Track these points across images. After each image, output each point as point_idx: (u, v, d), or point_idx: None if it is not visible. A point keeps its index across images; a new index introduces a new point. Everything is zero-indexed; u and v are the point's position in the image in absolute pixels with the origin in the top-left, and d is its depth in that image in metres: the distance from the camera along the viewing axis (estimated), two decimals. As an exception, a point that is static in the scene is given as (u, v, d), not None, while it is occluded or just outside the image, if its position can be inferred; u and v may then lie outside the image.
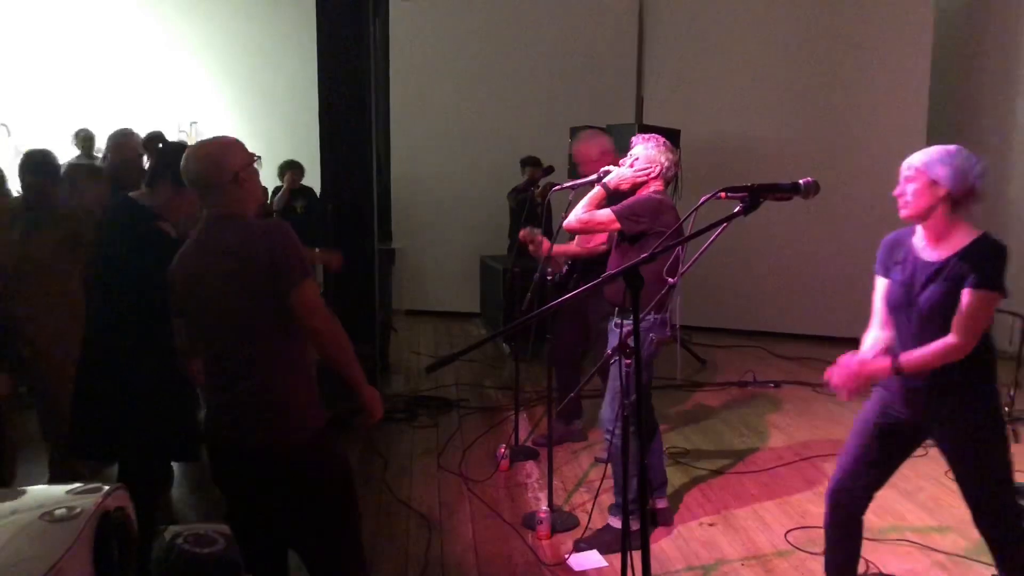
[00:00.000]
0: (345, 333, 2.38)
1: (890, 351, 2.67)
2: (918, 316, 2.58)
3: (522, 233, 4.29)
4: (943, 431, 2.71)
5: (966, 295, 2.46)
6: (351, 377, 2.40)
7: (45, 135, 8.04)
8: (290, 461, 2.33)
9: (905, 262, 2.65)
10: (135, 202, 3.15)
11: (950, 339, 2.49)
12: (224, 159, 2.33)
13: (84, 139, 8.07)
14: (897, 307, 2.65)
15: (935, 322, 2.53)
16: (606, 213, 3.59)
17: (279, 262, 2.24)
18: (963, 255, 2.51)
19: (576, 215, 3.67)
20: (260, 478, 2.35)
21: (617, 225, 3.55)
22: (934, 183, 2.51)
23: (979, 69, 7.96)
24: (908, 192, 2.55)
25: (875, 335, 2.76)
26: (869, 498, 2.88)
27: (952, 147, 2.54)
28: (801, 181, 2.17)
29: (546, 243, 4.26)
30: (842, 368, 2.63)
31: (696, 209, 2.14)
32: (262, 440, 2.31)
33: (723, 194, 2.12)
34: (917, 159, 2.56)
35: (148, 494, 3.15)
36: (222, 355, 2.36)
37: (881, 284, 2.75)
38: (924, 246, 2.62)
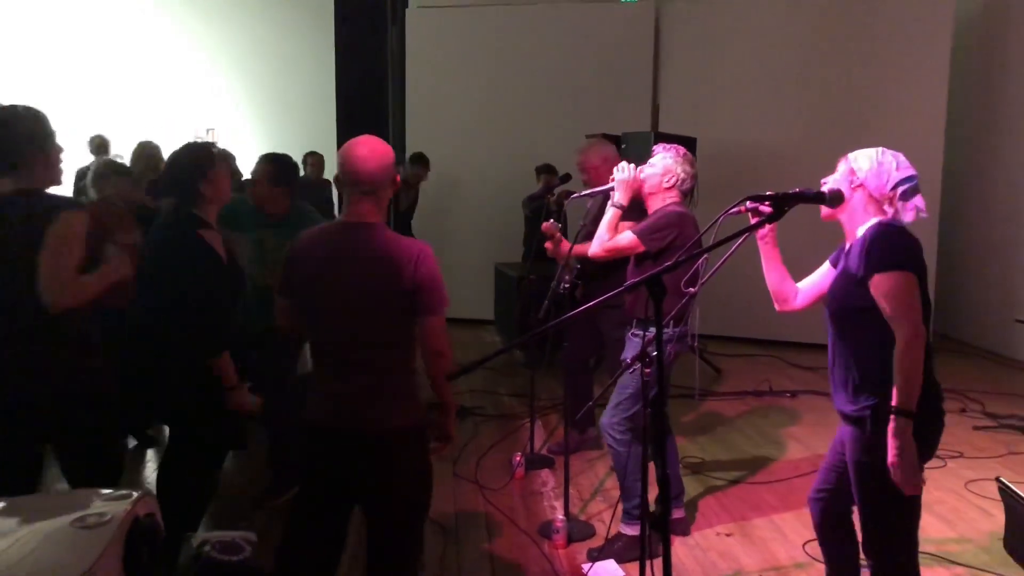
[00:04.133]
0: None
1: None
2: (831, 319, 2.50)
3: (546, 225, 4.29)
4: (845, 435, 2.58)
5: (876, 283, 2.27)
6: (445, 398, 2.59)
7: (61, 140, 8.09)
8: (394, 447, 2.46)
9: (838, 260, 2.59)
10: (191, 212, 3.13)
11: (898, 340, 2.27)
12: (390, 164, 2.45)
13: (99, 145, 8.15)
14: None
15: (836, 322, 2.45)
16: (628, 238, 3.58)
17: (424, 288, 2.40)
18: (858, 245, 2.36)
19: (600, 244, 3.67)
20: (365, 462, 2.46)
21: (642, 248, 3.55)
22: (852, 172, 2.44)
23: (998, 76, 7.92)
24: (834, 175, 2.51)
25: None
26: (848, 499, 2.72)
27: (885, 150, 2.44)
28: (826, 190, 2.16)
29: (565, 243, 4.26)
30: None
31: (720, 219, 2.14)
32: (375, 427, 2.43)
33: (748, 203, 2.11)
34: (854, 152, 2.50)
35: (191, 496, 3.21)
36: (343, 349, 2.46)
37: (825, 268, 2.68)
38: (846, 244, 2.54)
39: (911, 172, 2.40)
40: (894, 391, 2.25)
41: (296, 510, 2.58)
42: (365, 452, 2.46)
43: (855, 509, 2.65)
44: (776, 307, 2.76)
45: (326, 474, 2.54)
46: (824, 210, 2.43)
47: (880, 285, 2.25)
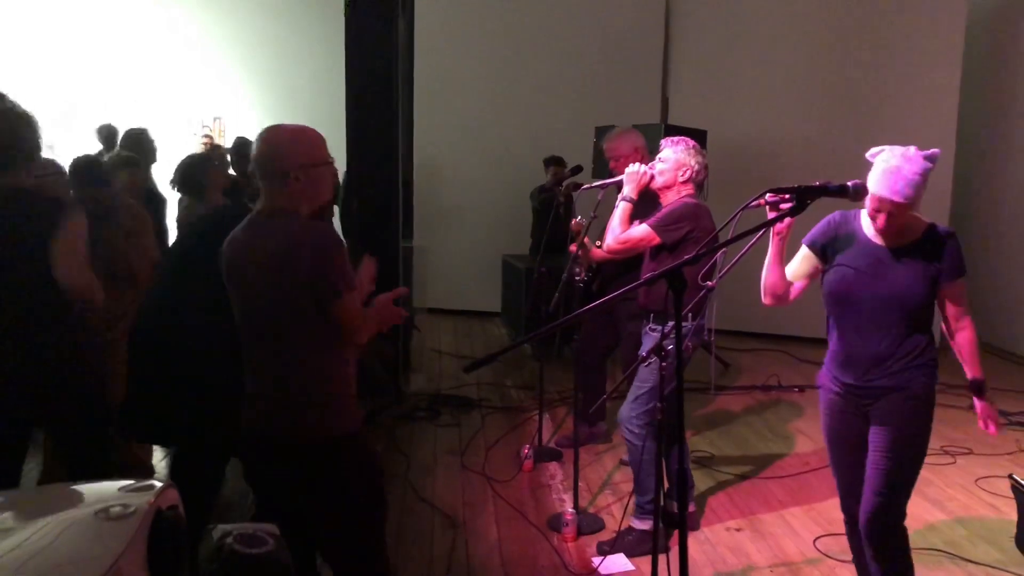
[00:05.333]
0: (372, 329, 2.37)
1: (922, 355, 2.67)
2: (880, 304, 2.60)
3: (574, 222, 4.23)
4: (880, 405, 2.70)
5: (959, 284, 2.60)
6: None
7: (70, 130, 8.09)
8: (311, 459, 2.30)
9: (854, 247, 2.64)
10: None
11: (968, 328, 2.67)
12: (285, 153, 2.27)
13: (107, 135, 8.12)
14: (853, 296, 2.65)
15: (896, 311, 2.58)
16: (643, 229, 3.56)
17: (325, 271, 2.20)
18: (925, 242, 2.58)
19: (614, 237, 3.66)
20: (282, 473, 2.34)
21: (657, 240, 3.53)
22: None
23: (1010, 71, 7.86)
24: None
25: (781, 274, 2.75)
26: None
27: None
28: (849, 183, 2.14)
29: (596, 252, 4.19)
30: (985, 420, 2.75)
31: (742, 210, 2.11)
32: (286, 434, 2.30)
33: (768, 196, 2.09)
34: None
35: (203, 490, 3.20)
36: (255, 346, 2.34)
37: (810, 258, 2.75)
38: (873, 233, 2.62)
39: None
40: (975, 366, 2.68)
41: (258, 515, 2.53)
42: (278, 460, 2.33)
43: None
44: (765, 301, 2.81)
45: (256, 482, 2.47)
46: (890, 211, 2.47)
47: (962, 286, 2.61)
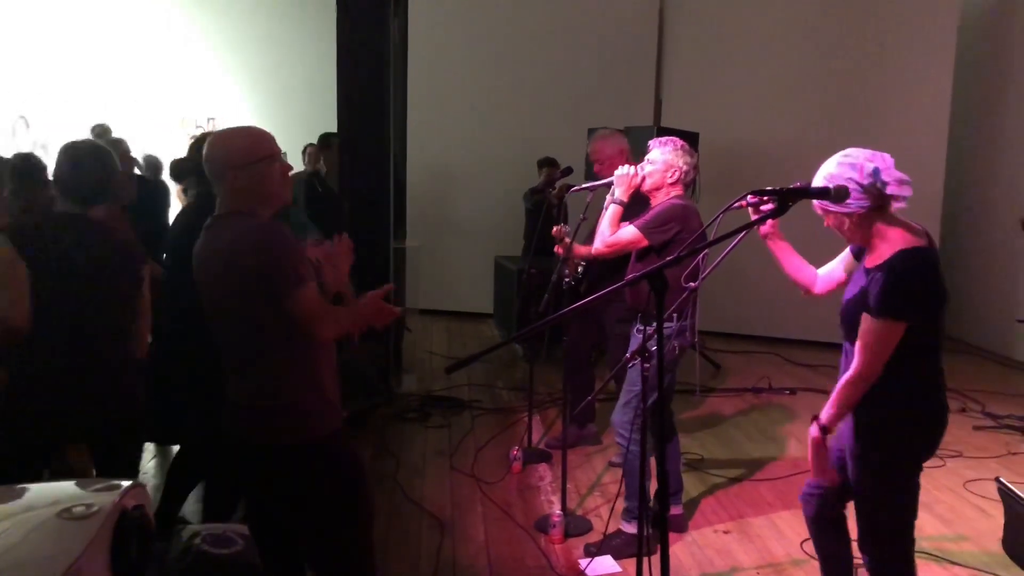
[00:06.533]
0: (347, 325, 2.33)
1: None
2: (844, 321, 2.45)
3: (555, 230, 4.22)
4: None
5: (868, 319, 2.29)
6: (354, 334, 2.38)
7: (63, 128, 8.08)
8: (288, 462, 2.27)
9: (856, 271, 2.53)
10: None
11: (856, 366, 2.34)
12: (218, 155, 2.24)
13: (100, 134, 8.11)
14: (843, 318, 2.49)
15: (852, 330, 2.38)
16: (632, 231, 3.55)
17: (269, 270, 2.15)
18: (885, 266, 2.28)
19: (603, 240, 3.65)
20: (261, 476, 2.33)
21: (646, 242, 3.52)
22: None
23: (1002, 74, 7.88)
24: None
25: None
26: (842, 496, 2.71)
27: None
28: (831, 185, 2.13)
29: (578, 247, 4.19)
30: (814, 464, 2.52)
31: (723, 212, 2.10)
32: (260, 439, 2.28)
33: (751, 197, 2.08)
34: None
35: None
36: (224, 348, 2.32)
37: (845, 258, 2.64)
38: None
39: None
40: (829, 409, 2.38)
41: (248, 518, 2.50)
42: (254, 464, 2.32)
43: (848, 506, 2.66)
44: (802, 293, 2.74)
45: (239, 483, 2.46)
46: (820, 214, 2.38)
47: (870, 323, 2.27)
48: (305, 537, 2.38)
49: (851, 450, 2.47)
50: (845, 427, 2.53)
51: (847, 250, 2.64)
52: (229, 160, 2.21)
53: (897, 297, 2.22)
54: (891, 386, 2.32)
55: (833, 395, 2.39)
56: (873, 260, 2.33)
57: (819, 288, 2.71)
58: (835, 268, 2.69)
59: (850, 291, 2.46)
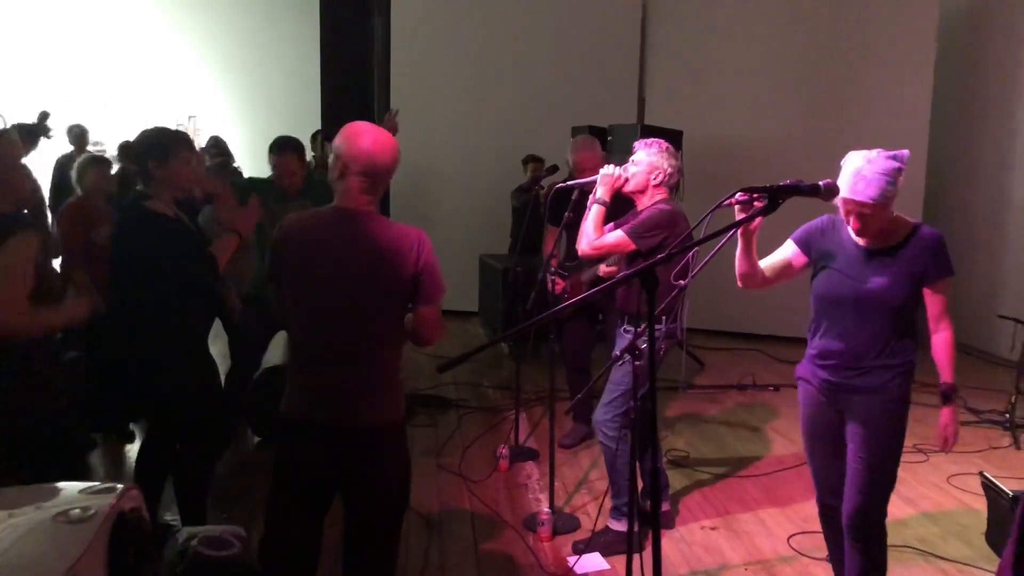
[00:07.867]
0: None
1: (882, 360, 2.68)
2: (863, 305, 2.63)
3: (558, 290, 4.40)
4: (856, 404, 2.72)
5: (946, 284, 2.61)
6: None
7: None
8: (379, 443, 2.43)
9: (842, 250, 2.67)
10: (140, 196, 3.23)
11: (947, 330, 2.67)
12: (397, 154, 2.40)
13: (77, 135, 8.03)
14: (837, 297, 2.68)
15: (878, 312, 2.61)
16: (618, 235, 3.53)
17: (426, 276, 2.37)
18: (908, 243, 2.60)
19: (588, 241, 3.61)
20: (347, 457, 2.41)
21: (632, 246, 3.51)
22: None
23: (981, 72, 7.96)
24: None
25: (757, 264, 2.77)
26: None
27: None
28: (821, 183, 2.15)
29: (560, 284, 4.34)
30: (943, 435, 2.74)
31: (714, 211, 2.11)
32: (358, 422, 2.39)
33: (740, 195, 2.09)
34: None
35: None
36: (333, 341, 2.38)
37: (791, 250, 2.80)
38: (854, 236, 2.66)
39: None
40: (948, 371, 2.66)
41: (273, 504, 2.52)
42: (348, 447, 2.41)
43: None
44: (740, 284, 2.83)
45: (303, 469, 2.47)
46: (859, 212, 2.51)
47: (947, 286, 2.62)
48: (376, 516, 2.50)
49: (878, 422, 2.65)
50: (856, 404, 2.68)
51: (789, 244, 2.79)
52: (397, 161, 2.40)
53: (950, 257, 2.60)
54: (909, 363, 2.68)
55: (945, 360, 2.66)
56: (887, 240, 2.59)
57: (771, 282, 2.82)
58: (781, 262, 2.81)
59: (863, 277, 2.60)
